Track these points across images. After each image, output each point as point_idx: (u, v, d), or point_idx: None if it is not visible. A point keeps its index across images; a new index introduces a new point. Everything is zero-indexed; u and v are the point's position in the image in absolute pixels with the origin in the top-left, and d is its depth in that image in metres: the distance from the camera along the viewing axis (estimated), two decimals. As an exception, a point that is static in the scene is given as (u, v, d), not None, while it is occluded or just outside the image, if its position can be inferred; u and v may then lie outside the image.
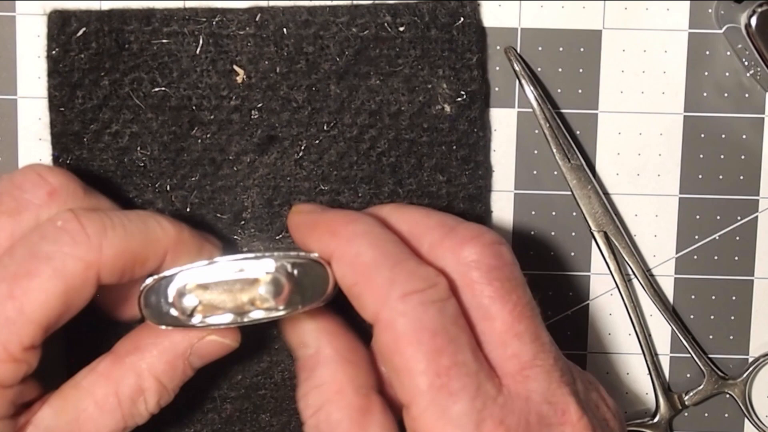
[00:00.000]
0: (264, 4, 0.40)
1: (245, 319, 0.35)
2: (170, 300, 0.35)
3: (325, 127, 0.40)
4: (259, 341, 0.41)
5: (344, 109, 0.40)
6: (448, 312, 0.33)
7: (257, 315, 0.35)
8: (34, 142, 0.41)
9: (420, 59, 0.40)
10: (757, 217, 0.42)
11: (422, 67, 0.40)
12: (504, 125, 0.41)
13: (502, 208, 0.42)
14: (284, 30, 0.39)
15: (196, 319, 0.35)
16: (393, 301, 0.32)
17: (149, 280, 0.35)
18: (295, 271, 0.35)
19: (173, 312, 0.35)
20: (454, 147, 0.40)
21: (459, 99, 0.40)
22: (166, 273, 0.35)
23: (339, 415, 0.34)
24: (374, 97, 0.40)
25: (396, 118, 0.40)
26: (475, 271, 0.33)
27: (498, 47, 0.41)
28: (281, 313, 0.35)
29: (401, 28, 0.39)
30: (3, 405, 0.33)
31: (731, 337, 0.43)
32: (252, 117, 0.40)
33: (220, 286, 0.35)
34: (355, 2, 0.40)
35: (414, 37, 0.39)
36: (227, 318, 0.35)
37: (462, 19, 0.40)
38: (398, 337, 0.32)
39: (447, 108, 0.40)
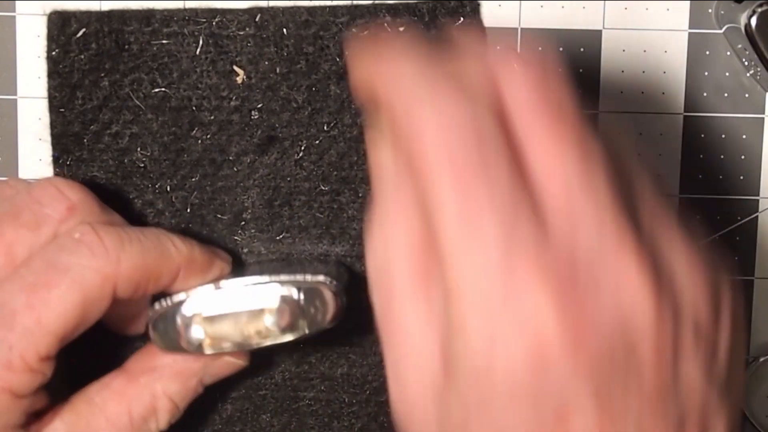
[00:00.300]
0: (264, 4, 0.40)
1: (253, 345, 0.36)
2: (178, 330, 0.35)
3: (325, 128, 0.40)
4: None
5: (344, 109, 0.40)
6: (485, 129, 0.27)
7: (264, 344, 0.36)
8: (34, 142, 0.41)
9: None
10: (757, 217, 0.42)
11: None
12: (504, 125, 0.41)
13: (502, 208, 0.42)
14: (284, 30, 0.39)
15: (204, 350, 0.35)
16: (424, 109, 0.27)
17: (157, 307, 0.36)
18: (302, 297, 0.35)
19: (182, 342, 0.35)
20: None
21: None
22: (174, 299, 0.35)
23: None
24: None
25: None
26: (513, 84, 0.28)
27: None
28: (287, 339, 0.35)
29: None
30: (17, 414, 0.33)
31: (731, 337, 0.42)
32: (252, 117, 0.40)
33: (226, 319, 0.35)
34: (355, 2, 0.40)
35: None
36: (234, 347, 0.36)
37: (462, 18, 0.40)
38: (427, 157, 0.26)
39: None
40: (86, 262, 0.33)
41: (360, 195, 0.40)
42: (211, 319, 0.35)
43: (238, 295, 0.35)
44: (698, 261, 0.27)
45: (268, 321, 0.35)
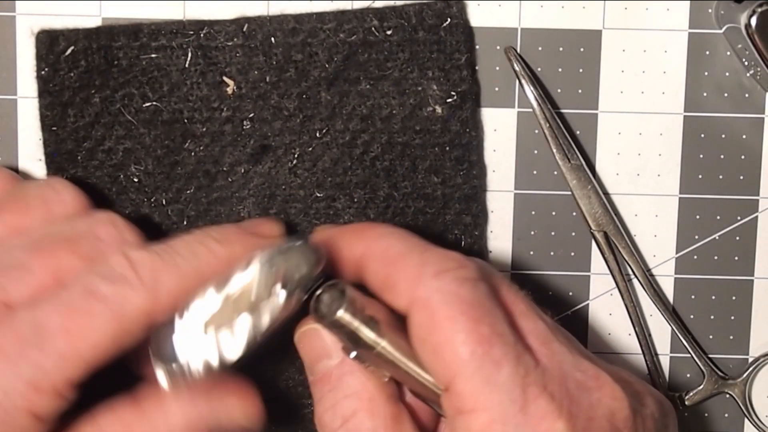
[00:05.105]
0: (251, 13, 0.40)
1: (261, 326, 0.34)
2: (182, 360, 0.33)
3: (317, 134, 0.40)
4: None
5: (336, 115, 0.40)
6: (481, 288, 0.33)
7: (266, 318, 0.34)
8: (34, 141, 0.41)
9: (409, 62, 0.40)
10: (757, 217, 0.42)
11: (411, 69, 0.40)
12: (504, 125, 0.41)
13: (502, 208, 0.42)
14: (272, 39, 0.39)
15: (210, 340, 0.34)
16: (427, 279, 0.32)
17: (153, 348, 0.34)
18: (280, 266, 0.34)
19: (191, 364, 0.34)
20: (447, 148, 0.40)
21: (450, 100, 0.40)
22: (164, 330, 0.34)
23: (372, 423, 0.34)
24: (365, 102, 0.40)
25: (388, 122, 0.40)
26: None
27: (498, 47, 0.41)
28: (282, 300, 0.34)
29: (389, 32, 0.39)
30: None
31: (731, 337, 0.42)
32: (244, 127, 0.40)
33: (219, 313, 0.34)
34: (341, 8, 0.40)
35: (402, 39, 0.39)
36: (243, 333, 0.34)
37: (449, 19, 0.39)
38: (435, 312, 0.32)
39: (438, 109, 0.40)
40: (125, 293, 0.33)
41: (355, 200, 0.40)
42: (208, 323, 0.33)
43: (223, 292, 0.34)
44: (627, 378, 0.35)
45: (253, 294, 0.33)
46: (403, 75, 0.40)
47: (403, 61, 0.40)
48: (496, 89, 0.41)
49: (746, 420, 0.43)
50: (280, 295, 0.34)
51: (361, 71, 0.40)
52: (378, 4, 0.40)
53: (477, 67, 0.41)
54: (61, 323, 0.32)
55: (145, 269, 0.34)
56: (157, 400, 0.35)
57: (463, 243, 0.41)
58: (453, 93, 0.40)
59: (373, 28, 0.39)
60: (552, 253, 0.42)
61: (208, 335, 0.34)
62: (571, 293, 0.42)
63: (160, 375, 0.34)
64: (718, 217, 0.42)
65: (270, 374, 0.41)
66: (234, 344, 0.34)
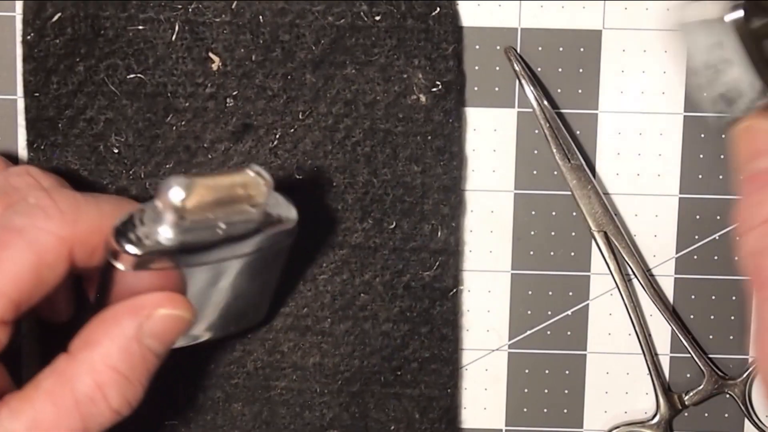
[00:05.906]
0: None
1: (231, 222, 0.33)
2: (150, 213, 0.32)
3: (300, 116, 0.40)
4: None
5: (319, 98, 0.40)
6: None
7: (245, 210, 0.33)
8: (34, 142, 0.41)
9: (396, 49, 0.40)
10: (757, 217, 0.42)
11: (398, 56, 0.40)
12: (504, 125, 0.41)
13: (502, 208, 0.42)
14: (260, 18, 0.39)
15: (183, 226, 0.32)
16: None
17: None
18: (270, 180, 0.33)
19: (153, 224, 0.32)
20: (429, 137, 0.40)
21: (434, 89, 0.40)
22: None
23: None
24: (350, 87, 0.40)
25: (371, 108, 0.40)
26: None
27: (498, 47, 0.41)
28: (253, 215, 0.33)
29: (377, 18, 0.39)
30: None
31: (731, 337, 0.42)
32: (227, 105, 0.40)
33: (205, 184, 0.32)
34: None
35: (390, 26, 0.39)
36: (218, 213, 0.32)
37: (438, 9, 0.39)
38: None
39: (422, 98, 0.40)
40: (41, 224, 0.33)
41: (335, 184, 0.40)
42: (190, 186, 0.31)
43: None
44: None
45: (250, 173, 0.32)
46: (389, 62, 0.40)
47: (390, 48, 0.40)
48: (496, 89, 0.41)
49: (746, 420, 0.43)
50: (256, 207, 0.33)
51: (347, 55, 0.40)
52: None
53: (474, 66, 0.41)
54: None
55: (64, 200, 0.33)
56: (85, 341, 0.34)
57: (439, 233, 0.41)
58: (438, 83, 0.40)
59: (362, 13, 0.39)
60: (552, 253, 0.42)
61: (179, 216, 0.32)
62: (571, 293, 0.42)
63: (116, 250, 0.32)
64: (718, 217, 0.42)
65: (238, 354, 0.41)
66: (199, 233, 0.33)
